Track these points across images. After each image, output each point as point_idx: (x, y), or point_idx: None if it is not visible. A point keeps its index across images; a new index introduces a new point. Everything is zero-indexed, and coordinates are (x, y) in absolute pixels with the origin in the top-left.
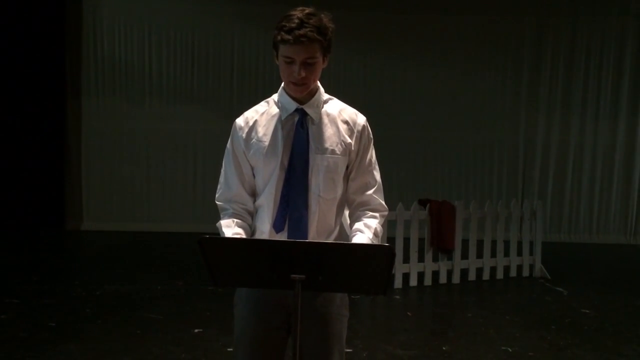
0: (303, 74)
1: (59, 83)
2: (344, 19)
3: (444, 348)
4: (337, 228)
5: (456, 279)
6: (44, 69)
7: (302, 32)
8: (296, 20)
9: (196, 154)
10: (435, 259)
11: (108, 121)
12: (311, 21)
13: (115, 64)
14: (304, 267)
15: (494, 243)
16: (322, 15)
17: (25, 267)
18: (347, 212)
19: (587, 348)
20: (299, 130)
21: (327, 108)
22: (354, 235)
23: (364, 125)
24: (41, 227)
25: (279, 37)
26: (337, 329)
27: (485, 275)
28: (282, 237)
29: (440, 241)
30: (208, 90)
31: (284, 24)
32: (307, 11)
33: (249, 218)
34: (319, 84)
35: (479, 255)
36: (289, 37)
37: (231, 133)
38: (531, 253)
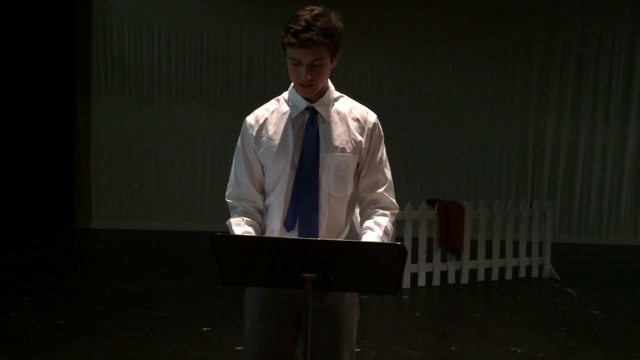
0: (310, 77)
1: (68, 82)
2: (355, 18)
3: (452, 348)
4: (348, 227)
5: (465, 279)
6: (53, 68)
7: (308, 35)
8: (303, 23)
9: (205, 152)
10: (443, 259)
11: (117, 120)
12: (318, 23)
13: (125, 64)
14: (315, 265)
15: (502, 243)
16: (331, 15)
17: (34, 265)
18: (357, 211)
19: (597, 350)
20: (309, 129)
21: (337, 106)
22: (364, 233)
23: (374, 123)
24: (51, 225)
25: (285, 40)
26: (347, 328)
27: (494, 276)
28: (293, 235)
29: (448, 241)
30: (217, 89)
31: (291, 25)
32: (315, 12)
33: (259, 216)
34: (329, 82)
35: (488, 255)
36: (295, 40)
37: (241, 131)
38: (540, 254)
